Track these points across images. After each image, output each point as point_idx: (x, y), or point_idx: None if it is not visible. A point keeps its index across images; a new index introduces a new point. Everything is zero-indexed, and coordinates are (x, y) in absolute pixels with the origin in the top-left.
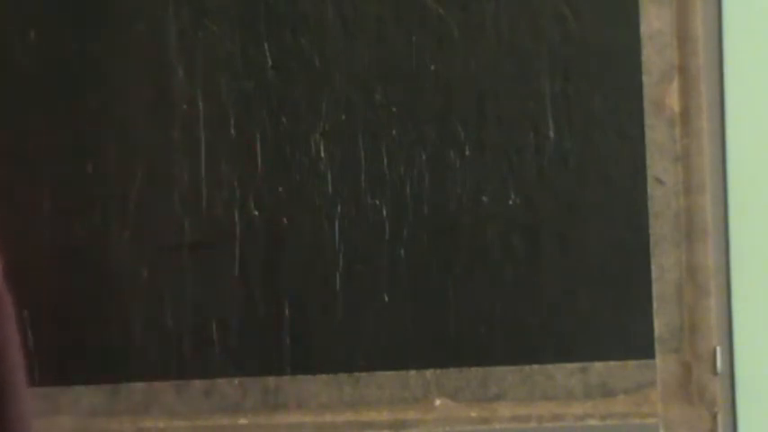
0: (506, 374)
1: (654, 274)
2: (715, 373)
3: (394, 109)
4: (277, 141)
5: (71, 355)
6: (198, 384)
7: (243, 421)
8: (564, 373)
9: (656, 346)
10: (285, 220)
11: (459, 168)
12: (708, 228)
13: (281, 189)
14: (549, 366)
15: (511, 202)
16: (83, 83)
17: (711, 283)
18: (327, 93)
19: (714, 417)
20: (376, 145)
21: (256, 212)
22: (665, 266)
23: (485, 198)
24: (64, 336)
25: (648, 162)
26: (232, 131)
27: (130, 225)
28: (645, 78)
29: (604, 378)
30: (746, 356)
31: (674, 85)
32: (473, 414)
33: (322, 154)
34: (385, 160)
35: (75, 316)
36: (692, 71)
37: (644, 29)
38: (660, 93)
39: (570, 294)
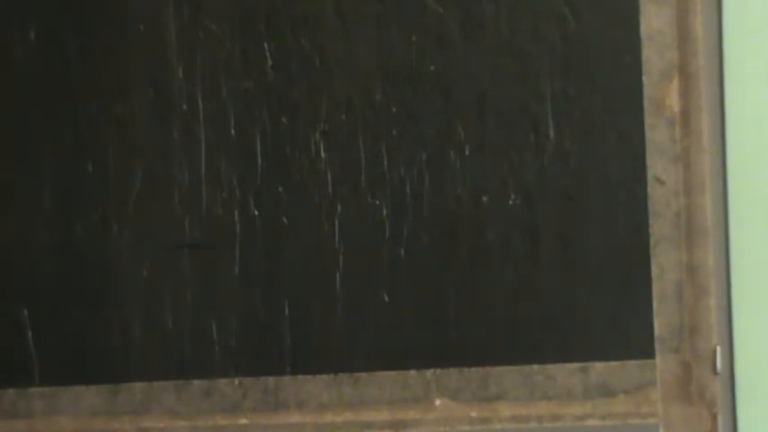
0: (506, 374)
1: (654, 274)
2: (715, 373)
3: (394, 109)
4: (277, 141)
5: (71, 355)
6: (198, 384)
7: (243, 421)
8: (564, 373)
9: (656, 346)
10: (285, 220)
11: (459, 168)
12: (708, 228)
13: (281, 189)
14: (549, 366)
15: (511, 202)
16: (83, 83)
17: (711, 283)
18: (327, 93)
19: (714, 417)
20: (376, 145)
21: (256, 212)
22: (665, 266)
23: (485, 198)
24: (64, 336)
25: (648, 162)
26: (232, 131)
27: (130, 225)
28: (645, 78)
29: (604, 378)
30: (746, 356)
31: (674, 85)
32: (473, 414)
33: (322, 154)
34: (385, 160)
35: (75, 316)
36: (692, 71)
37: (644, 29)
38: (660, 93)
39: (570, 294)
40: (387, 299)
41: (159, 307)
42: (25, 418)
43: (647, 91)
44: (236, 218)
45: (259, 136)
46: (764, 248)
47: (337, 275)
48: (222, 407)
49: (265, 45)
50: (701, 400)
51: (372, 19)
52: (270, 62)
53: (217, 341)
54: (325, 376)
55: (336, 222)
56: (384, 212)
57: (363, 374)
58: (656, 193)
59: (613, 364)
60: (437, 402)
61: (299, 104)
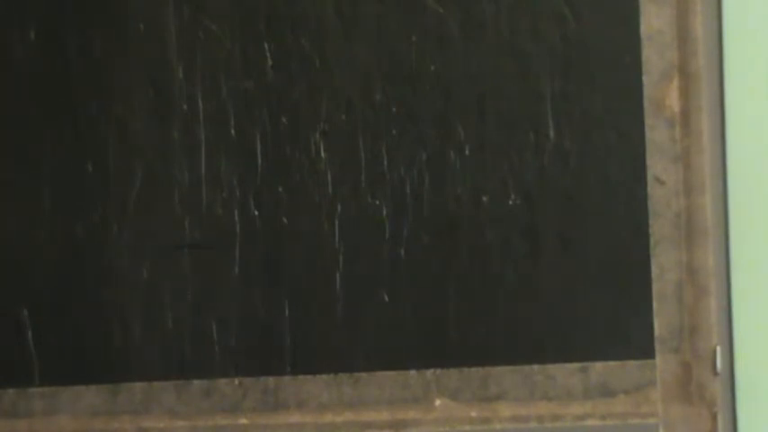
0: (506, 374)
1: (654, 274)
2: (715, 373)
3: (394, 109)
4: (277, 141)
5: (71, 355)
6: (198, 384)
7: (243, 421)
8: (564, 373)
9: (656, 346)
10: (285, 220)
11: (459, 168)
12: (708, 228)
13: (281, 189)
14: (549, 366)
15: (511, 202)
16: (83, 83)
17: (711, 283)
18: (327, 93)
19: (714, 416)
20: (376, 145)
21: (256, 212)
22: (665, 266)
23: (485, 198)
24: (64, 336)
25: (648, 162)
26: (232, 131)
27: (130, 225)
28: (645, 78)
29: (604, 378)
30: (746, 356)
31: (674, 85)
32: (473, 414)
33: (322, 154)
34: (385, 160)
35: (75, 316)
36: (692, 71)
37: (644, 29)
38: (660, 93)
39: (570, 294)
40: (387, 299)
41: (159, 307)
42: (25, 418)
43: (647, 91)
44: (236, 218)
45: (259, 136)
46: (764, 248)
47: (337, 275)
48: (222, 407)
49: (265, 45)
50: (701, 400)
51: (372, 19)
52: (270, 62)
53: (217, 341)
54: (325, 376)
55: (336, 222)
56: (384, 212)
57: (363, 374)
58: (656, 193)
59: (613, 364)
60: (437, 402)
61: (299, 104)
